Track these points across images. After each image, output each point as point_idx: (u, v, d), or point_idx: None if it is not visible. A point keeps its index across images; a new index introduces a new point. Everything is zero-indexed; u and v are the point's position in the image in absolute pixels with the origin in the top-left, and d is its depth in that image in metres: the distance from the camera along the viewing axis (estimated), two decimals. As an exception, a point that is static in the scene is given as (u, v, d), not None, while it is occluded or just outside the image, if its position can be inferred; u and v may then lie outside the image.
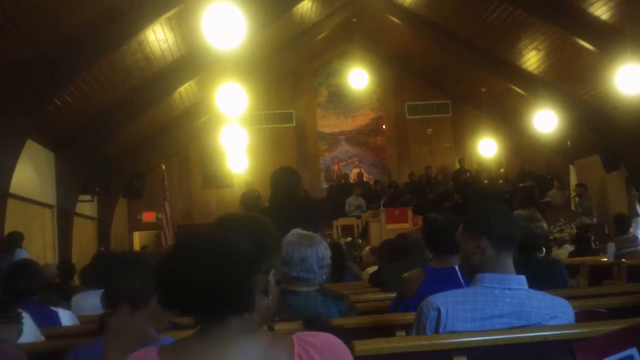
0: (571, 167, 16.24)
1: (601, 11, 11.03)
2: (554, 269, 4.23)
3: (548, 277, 4.00)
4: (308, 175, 17.69)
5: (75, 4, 8.80)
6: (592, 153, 15.38)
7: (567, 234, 12.45)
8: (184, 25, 11.05)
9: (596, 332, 2.46)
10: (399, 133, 18.88)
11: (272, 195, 5.25)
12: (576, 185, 15.61)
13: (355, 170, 18.55)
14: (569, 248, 10.44)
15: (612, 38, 11.08)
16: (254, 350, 1.59)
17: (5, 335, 3.01)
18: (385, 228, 13.49)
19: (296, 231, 3.50)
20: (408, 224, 13.52)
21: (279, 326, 2.55)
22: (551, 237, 11.92)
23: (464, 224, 2.79)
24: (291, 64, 17.89)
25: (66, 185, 12.11)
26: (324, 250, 3.41)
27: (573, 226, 13.23)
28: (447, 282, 3.28)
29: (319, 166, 18.62)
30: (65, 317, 4.26)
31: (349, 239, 13.91)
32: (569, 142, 15.85)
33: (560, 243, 11.36)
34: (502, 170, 17.85)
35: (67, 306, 4.69)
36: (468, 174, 17.47)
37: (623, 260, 7.37)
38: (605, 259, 8.49)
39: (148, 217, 17.45)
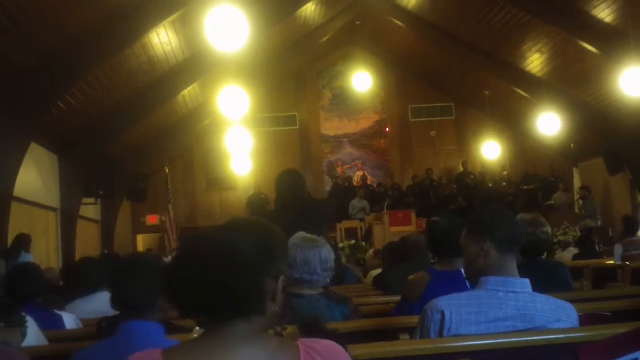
0: (575, 170, 16.23)
1: (605, 14, 11.02)
2: (559, 272, 4.22)
3: (552, 280, 3.98)
4: (312, 178, 17.66)
5: (79, 7, 8.82)
6: (596, 156, 15.35)
7: (571, 236, 12.42)
8: (187, 28, 11.06)
9: (600, 336, 2.45)
10: (403, 136, 18.87)
11: (277, 198, 5.26)
12: (580, 188, 15.61)
13: (359, 173, 18.53)
14: (573, 251, 10.42)
15: (616, 41, 11.06)
16: (260, 356, 1.59)
17: (9, 339, 3.01)
18: (389, 231, 13.47)
19: (300, 234, 3.50)
20: (412, 227, 13.50)
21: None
22: (555, 240, 11.89)
23: (467, 227, 2.79)
24: (295, 67, 17.90)
25: (70, 188, 12.13)
26: (327, 253, 3.41)
27: (577, 229, 13.21)
28: (453, 285, 3.27)
29: (323, 169, 18.62)
30: (69, 321, 4.26)
31: (353, 241, 13.89)
32: (572, 145, 15.83)
33: (564, 246, 11.33)
34: (505, 173, 17.82)
35: (62, 309, 4.67)
36: (472, 177, 17.46)
37: (627, 263, 7.36)
38: (610, 262, 8.46)
39: (152, 220, 17.46)
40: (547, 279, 3.79)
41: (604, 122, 13.98)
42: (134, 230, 17.41)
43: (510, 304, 2.57)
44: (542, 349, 2.49)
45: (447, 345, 2.51)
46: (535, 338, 2.51)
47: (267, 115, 18.25)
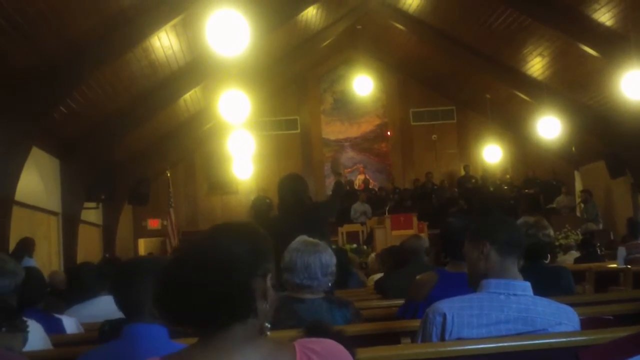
0: (576, 173, 16.22)
1: (606, 17, 11.03)
2: (561, 277, 4.22)
3: (555, 285, 3.98)
4: (313, 182, 17.66)
5: (81, 11, 8.82)
6: (597, 159, 15.35)
7: (572, 240, 12.40)
8: (189, 32, 11.06)
9: (602, 339, 2.45)
10: (404, 139, 18.88)
11: (280, 202, 5.26)
12: (581, 192, 15.60)
13: (360, 177, 18.53)
14: (574, 254, 10.40)
15: (617, 44, 11.07)
16: (256, 357, 1.59)
17: (12, 343, 3.01)
18: (390, 234, 13.46)
19: (301, 238, 3.50)
20: (413, 230, 13.48)
21: (282, 333, 2.55)
22: (557, 244, 11.88)
23: (468, 236, 2.80)
24: (296, 71, 17.90)
25: (71, 192, 12.12)
26: (328, 257, 3.40)
27: (579, 232, 13.20)
28: (461, 287, 3.26)
29: (324, 172, 18.60)
30: (70, 325, 4.26)
31: (354, 245, 13.89)
32: (573, 148, 15.83)
33: (565, 249, 11.31)
34: (508, 176, 17.83)
35: (63, 313, 4.68)
36: (473, 181, 17.46)
37: (629, 266, 7.34)
38: (612, 265, 8.44)
39: (153, 224, 17.46)
40: (550, 283, 3.79)
41: (605, 126, 13.97)
42: (136, 234, 17.41)
43: (512, 306, 2.57)
44: (544, 352, 2.50)
45: (448, 349, 2.51)
46: (537, 342, 2.51)
47: (269, 119, 18.27)
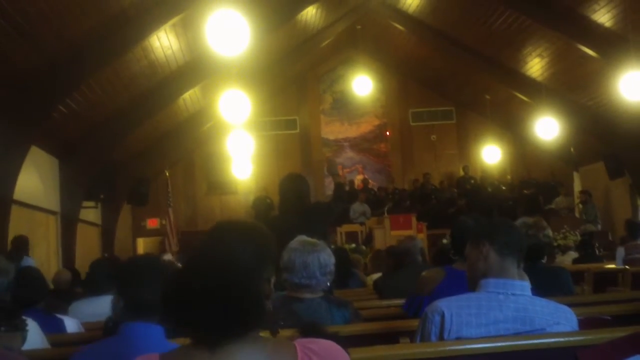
0: (575, 174, 16.21)
1: (605, 18, 11.04)
2: (560, 277, 4.23)
3: (554, 285, 3.99)
4: (313, 182, 17.63)
5: (81, 11, 8.82)
6: (596, 160, 15.35)
7: (571, 241, 12.40)
8: (188, 32, 11.06)
9: (600, 340, 2.46)
10: (403, 140, 18.88)
11: (280, 202, 5.25)
12: (580, 192, 15.60)
13: (360, 177, 18.52)
14: (572, 255, 10.40)
15: (616, 45, 11.08)
16: (258, 357, 1.59)
17: (11, 343, 3.01)
18: (389, 235, 13.46)
19: (300, 238, 3.51)
20: (412, 230, 13.49)
21: (281, 333, 2.55)
22: (555, 244, 11.87)
23: (469, 240, 2.82)
24: (295, 71, 17.89)
25: (70, 192, 12.11)
26: (326, 257, 3.40)
27: (577, 233, 13.19)
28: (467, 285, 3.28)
29: (324, 172, 18.60)
30: (71, 325, 4.26)
31: (353, 245, 13.89)
32: (572, 149, 15.84)
33: (564, 250, 11.32)
34: (508, 177, 17.84)
35: (65, 313, 4.68)
36: (472, 182, 17.46)
37: (627, 267, 7.35)
38: (610, 266, 8.45)
39: (152, 223, 17.45)
40: (549, 284, 3.80)
41: (604, 127, 13.99)
42: (134, 234, 17.39)
43: (510, 306, 2.58)
44: (542, 352, 2.50)
45: (447, 348, 2.51)
46: (535, 342, 2.52)
47: (268, 119, 18.26)
